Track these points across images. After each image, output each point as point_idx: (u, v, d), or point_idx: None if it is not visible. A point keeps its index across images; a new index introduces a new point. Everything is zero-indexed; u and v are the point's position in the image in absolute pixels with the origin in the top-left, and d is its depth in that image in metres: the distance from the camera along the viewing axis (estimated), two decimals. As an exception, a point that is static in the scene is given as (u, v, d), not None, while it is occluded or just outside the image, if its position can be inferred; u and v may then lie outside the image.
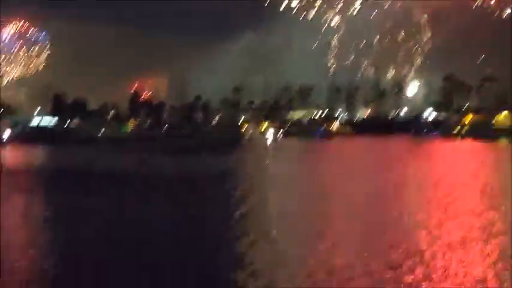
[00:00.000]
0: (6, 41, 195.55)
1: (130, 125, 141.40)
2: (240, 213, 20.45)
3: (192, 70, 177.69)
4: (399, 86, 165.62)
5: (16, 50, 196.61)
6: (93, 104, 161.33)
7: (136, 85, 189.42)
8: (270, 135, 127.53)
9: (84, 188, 30.35)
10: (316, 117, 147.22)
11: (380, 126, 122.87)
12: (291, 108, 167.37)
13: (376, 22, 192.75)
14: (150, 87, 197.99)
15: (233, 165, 45.21)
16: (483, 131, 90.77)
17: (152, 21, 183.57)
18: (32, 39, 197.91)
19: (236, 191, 27.10)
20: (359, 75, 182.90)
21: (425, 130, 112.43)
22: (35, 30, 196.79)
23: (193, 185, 31.22)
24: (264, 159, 55.05)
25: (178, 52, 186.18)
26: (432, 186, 28.70)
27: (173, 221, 19.60)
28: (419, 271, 12.09)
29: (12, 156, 66.40)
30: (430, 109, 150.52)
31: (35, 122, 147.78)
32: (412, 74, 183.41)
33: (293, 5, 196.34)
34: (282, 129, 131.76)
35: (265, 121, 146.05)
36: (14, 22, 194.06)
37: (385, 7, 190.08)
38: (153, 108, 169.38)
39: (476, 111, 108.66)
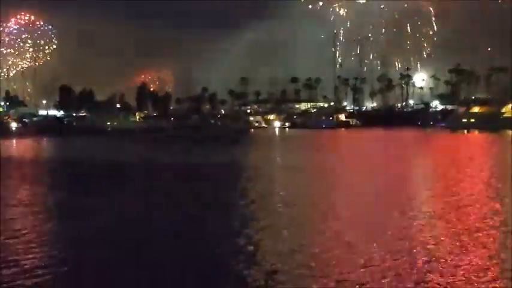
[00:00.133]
0: (14, 33, 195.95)
1: (138, 116, 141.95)
2: (245, 203, 20.70)
3: (199, 61, 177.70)
4: (406, 78, 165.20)
5: (23, 42, 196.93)
6: (100, 96, 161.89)
7: (143, 77, 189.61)
8: (276, 126, 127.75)
9: (90, 181, 30.59)
10: (323, 109, 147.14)
11: (387, 118, 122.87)
12: (298, 99, 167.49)
13: (384, 13, 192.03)
14: (157, 79, 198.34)
15: (241, 156, 45.40)
16: (490, 123, 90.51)
17: (159, 11, 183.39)
18: (39, 32, 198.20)
19: (242, 181, 27.34)
20: (366, 67, 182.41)
21: (432, 122, 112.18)
22: (42, 22, 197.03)
23: (207, 174, 31.49)
24: (270, 150, 55.21)
25: (186, 43, 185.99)
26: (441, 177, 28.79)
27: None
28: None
29: (19, 147, 66.84)
30: (436, 101, 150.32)
31: (43, 113, 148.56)
32: (419, 65, 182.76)
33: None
34: (288, 121, 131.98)
35: (272, 112, 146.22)
36: (21, 14, 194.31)
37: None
38: (160, 100, 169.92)
39: (483, 102, 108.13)
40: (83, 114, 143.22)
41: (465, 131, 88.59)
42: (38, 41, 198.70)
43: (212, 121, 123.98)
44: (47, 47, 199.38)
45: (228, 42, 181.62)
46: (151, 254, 13.50)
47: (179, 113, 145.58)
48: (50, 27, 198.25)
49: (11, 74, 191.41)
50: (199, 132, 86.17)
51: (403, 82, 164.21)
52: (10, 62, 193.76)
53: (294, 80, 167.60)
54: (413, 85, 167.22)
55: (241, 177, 28.97)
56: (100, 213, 19.14)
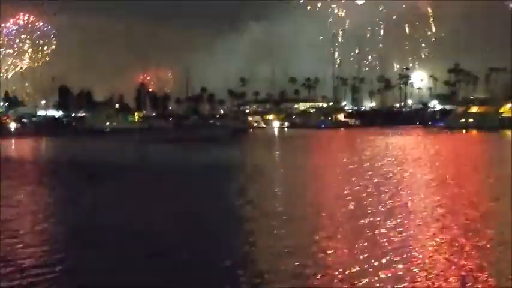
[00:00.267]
0: (13, 33, 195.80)
1: (137, 116, 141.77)
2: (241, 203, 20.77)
3: (198, 62, 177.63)
4: (405, 78, 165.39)
5: (22, 42, 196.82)
6: (99, 96, 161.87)
7: (142, 77, 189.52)
8: (275, 126, 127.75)
9: (90, 181, 30.64)
10: (322, 109, 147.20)
11: (385, 118, 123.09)
12: (297, 99, 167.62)
13: (382, 13, 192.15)
14: (156, 79, 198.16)
15: (240, 156, 45.43)
16: (489, 122, 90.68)
17: (158, 13, 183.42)
18: (38, 32, 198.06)
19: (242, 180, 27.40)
20: (365, 67, 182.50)
21: (430, 122, 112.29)
22: (41, 22, 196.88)
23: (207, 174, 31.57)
24: (269, 150, 55.25)
25: (184, 43, 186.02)
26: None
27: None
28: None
29: (18, 148, 66.84)
30: (435, 101, 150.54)
31: (41, 114, 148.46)
32: (418, 65, 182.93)
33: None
34: (287, 121, 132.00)
35: (271, 112, 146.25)
36: (20, 14, 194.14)
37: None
38: (159, 100, 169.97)
39: (482, 102, 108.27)
40: (82, 115, 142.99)
41: (464, 131, 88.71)
42: (37, 42, 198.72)
43: (211, 121, 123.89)
44: (45, 48, 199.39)
45: (227, 43, 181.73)
46: (152, 252, 13.57)
47: (178, 113, 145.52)
48: (49, 26, 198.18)
49: (10, 75, 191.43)
50: (197, 132, 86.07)
51: (402, 82, 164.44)
52: (9, 63, 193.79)
53: (293, 80, 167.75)
54: (412, 85, 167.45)
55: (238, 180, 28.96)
56: (100, 213, 19.21)
